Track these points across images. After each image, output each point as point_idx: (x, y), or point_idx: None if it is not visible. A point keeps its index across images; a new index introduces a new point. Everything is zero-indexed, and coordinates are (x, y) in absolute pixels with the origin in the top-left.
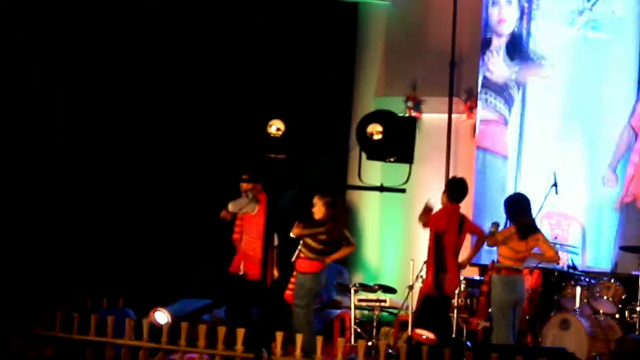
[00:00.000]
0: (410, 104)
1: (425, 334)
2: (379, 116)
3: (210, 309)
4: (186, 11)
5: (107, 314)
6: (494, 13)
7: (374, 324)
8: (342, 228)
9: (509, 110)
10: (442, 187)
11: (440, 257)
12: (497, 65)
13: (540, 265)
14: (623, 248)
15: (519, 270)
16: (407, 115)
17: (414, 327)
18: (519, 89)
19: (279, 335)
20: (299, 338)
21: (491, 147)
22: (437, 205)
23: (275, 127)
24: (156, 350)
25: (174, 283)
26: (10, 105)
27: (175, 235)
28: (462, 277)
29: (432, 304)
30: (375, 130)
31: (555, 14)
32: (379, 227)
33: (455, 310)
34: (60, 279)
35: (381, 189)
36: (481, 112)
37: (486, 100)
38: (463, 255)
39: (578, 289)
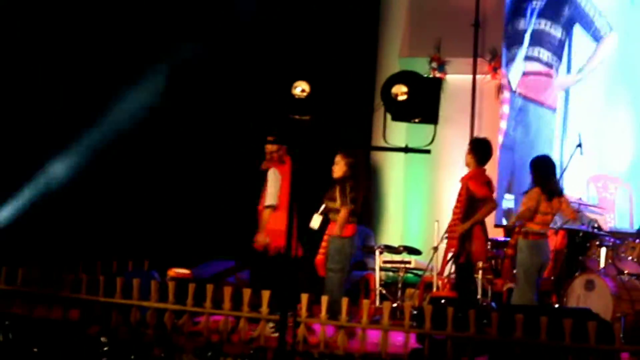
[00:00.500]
0: (434, 64)
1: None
2: (404, 77)
3: (235, 272)
4: None
5: (133, 277)
6: None
7: (399, 285)
8: (364, 187)
9: (559, 63)
10: (466, 148)
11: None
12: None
13: (565, 226)
14: None
15: (545, 234)
16: (431, 76)
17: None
18: (569, 44)
19: (304, 297)
20: (324, 300)
21: (537, 97)
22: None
23: (300, 88)
24: (182, 312)
25: (199, 245)
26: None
27: (201, 198)
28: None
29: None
30: (400, 91)
31: None
32: (404, 188)
33: (480, 272)
34: (85, 242)
35: (406, 149)
36: (528, 64)
37: (537, 52)
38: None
39: (603, 250)
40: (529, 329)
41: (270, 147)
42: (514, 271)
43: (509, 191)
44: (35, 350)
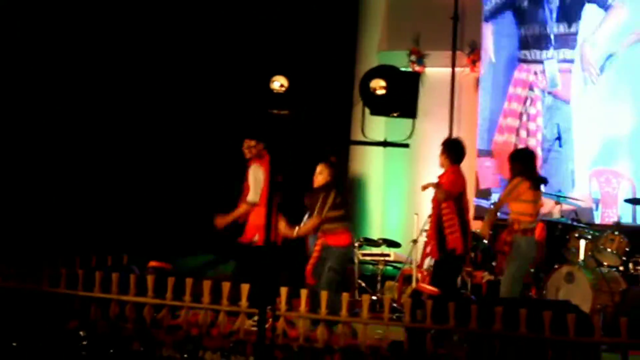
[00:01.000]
0: (413, 58)
1: (429, 288)
2: (382, 71)
3: (215, 265)
4: None
5: (112, 271)
6: None
7: (378, 278)
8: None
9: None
10: None
11: (465, 218)
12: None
13: (544, 218)
14: (628, 200)
15: (535, 227)
16: (410, 69)
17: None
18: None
19: (283, 291)
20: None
21: (562, 94)
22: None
23: (279, 83)
24: (161, 306)
25: (178, 239)
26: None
27: (180, 192)
28: None
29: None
30: (379, 85)
31: None
32: (383, 182)
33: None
34: (64, 237)
35: (384, 144)
36: (556, 65)
37: (562, 54)
38: None
39: (582, 242)
40: (509, 322)
41: (248, 142)
42: (492, 263)
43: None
44: (14, 344)
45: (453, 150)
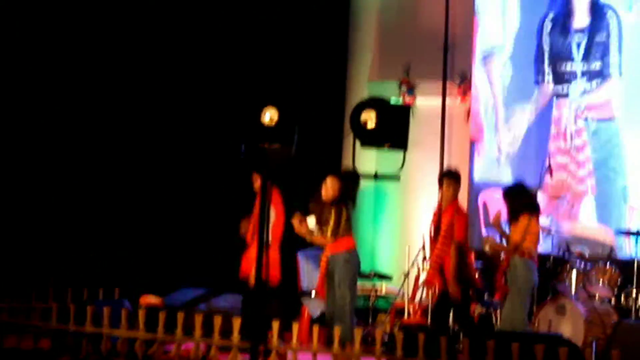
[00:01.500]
0: (403, 88)
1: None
2: (373, 103)
3: (207, 299)
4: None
5: (104, 305)
6: None
7: (370, 311)
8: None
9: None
10: (436, 171)
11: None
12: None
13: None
14: (619, 232)
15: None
16: (400, 99)
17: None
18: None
19: (275, 324)
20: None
21: (598, 114)
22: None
23: (269, 116)
24: (152, 341)
25: (170, 273)
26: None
27: (171, 225)
28: None
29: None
30: (369, 117)
31: None
32: (374, 214)
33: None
34: (55, 270)
35: (376, 176)
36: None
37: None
38: None
39: (574, 274)
40: (501, 355)
41: (257, 176)
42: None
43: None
44: None
45: (458, 183)
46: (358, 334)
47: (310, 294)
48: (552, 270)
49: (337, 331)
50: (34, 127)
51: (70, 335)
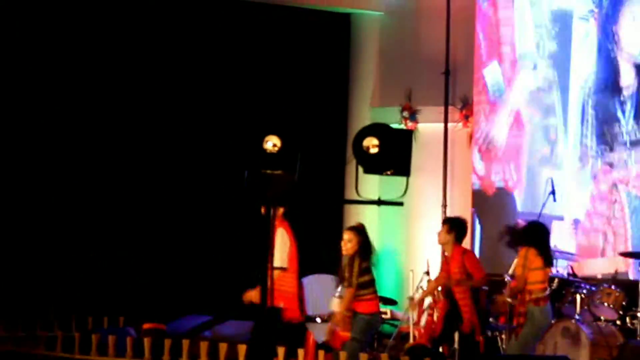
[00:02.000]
0: (405, 114)
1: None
2: (375, 129)
3: (212, 325)
4: (181, 27)
5: (108, 333)
6: None
7: (375, 336)
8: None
9: None
10: (439, 196)
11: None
12: None
13: None
14: (623, 254)
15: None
16: (403, 125)
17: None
18: None
19: (281, 351)
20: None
21: None
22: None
23: (272, 142)
24: None
25: (175, 300)
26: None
27: (175, 252)
28: None
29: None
30: (372, 143)
31: None
32: (378, 239)
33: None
34: (60, 298)
35: (379, 202)
36: None
37: None
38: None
39: (578, 297)
40: None
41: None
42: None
43: None
44: None
45: (461, 229)
46: (364, 358)
47: (315, 319)
48: (556, 292)
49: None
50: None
51: None
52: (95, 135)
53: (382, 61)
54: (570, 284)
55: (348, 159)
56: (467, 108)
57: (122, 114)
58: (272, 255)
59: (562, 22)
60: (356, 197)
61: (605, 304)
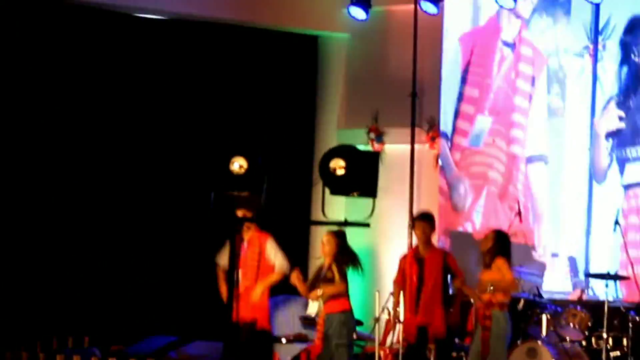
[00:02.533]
0: (372, 135)
1: None
2: (342, 151)
3: (178, 346)
4: (147, 48)
5: (73, 354)
6: None
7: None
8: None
9: None
10: (406, 217)
11: None
12: None
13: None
14: (590, 275)
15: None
16: (369, 146)
17: None
18: None
19: None
20: None
21: None
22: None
23: (238, 164)
24: None
25: (140, 320)
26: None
27: (142, 273)
28: None
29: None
30: (338, 165)
31: None
32: None
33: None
34: (24, 319)
35: (345, 223)
36: None
37: None
38: None
39: (544, 317)
40: None
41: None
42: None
43: None
44: None
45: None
46: None
47: (280, 340)
48: (522, 313)
49: None
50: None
51: None
52: (56, 157)
53: (349, 83)
54: (536, 304)
55: (314, 181)
56: (433, 130)
57: (80, 132)
58: (237, 273)
59: None
60: (322, 219)
61: (571, 325)
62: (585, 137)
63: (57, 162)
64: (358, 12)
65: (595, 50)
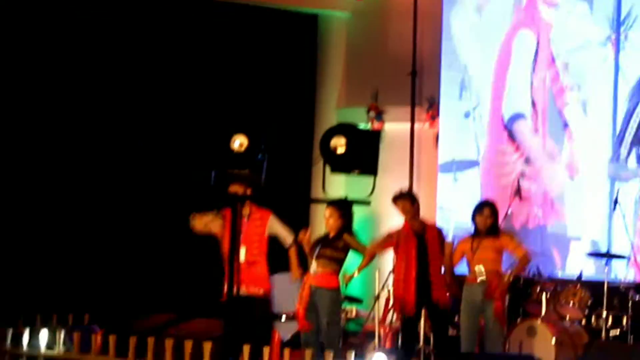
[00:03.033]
0: (372, 114)
1: None
2: (342, 129)
3: (177, 323)
4: (147, 26)
5: (74, 330)
6: None
7: (340, 334)
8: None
9: None
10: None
11: None
12: None
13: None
14: (591, 254)
15: None
16: (369, 125)
17: None
18: None
19: (246, 349)
20: (329, 355)
21: None
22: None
23: (239, 142)
24: None
25: (140, 297)
26: None
27: (141, 250)
28: None
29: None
30: (339, 143)
31: None
32: None
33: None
34: (24, 295)
35: (346, 201)
36: None
37: None
38: None
39: (544, 295)
40: None
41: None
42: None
43: None
44: None
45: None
46: (328, 356)
47: (280, 317)
48: (522, 291)
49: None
50: None
51: None
52: (56, 136)
53: (348, 61)
54: (536, 282)
55: (315, 159)
56: (433, 108)
57: (81, 110)
58: (238, 249)
59: None
60: (323, 197)
61: (571, 303)
62: (607, 126)
63: (57, 140)
64: None
65: (618, 40)
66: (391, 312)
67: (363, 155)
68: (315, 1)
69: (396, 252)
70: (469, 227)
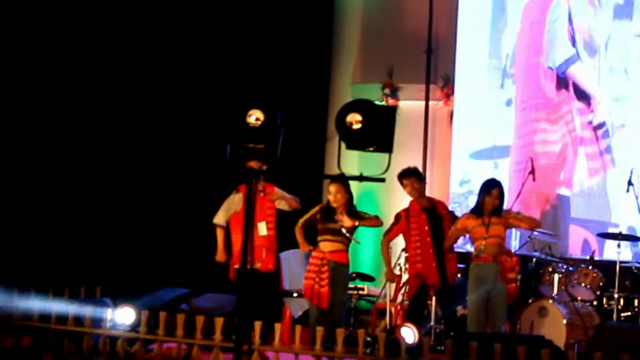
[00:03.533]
0: (387, 91)
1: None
2: (358, 105)
3: (189, 298)
4: (162, 3)
5: (85, 303)
6: None
7: (352, 312)
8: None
9: None
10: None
11: None
12: None
13: (517, 252)
14: (601, 235)
15: None
16: (384, 102)
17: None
18: None
19: (258, 325)
20: (341, 333)
21: None
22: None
23: (255, 117)
24: (134, 340)
25: (151, 272)
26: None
27: (153, 224)
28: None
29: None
30: (355, 119)
31: None
32: None
33: (434, 297)
34: (36, 269)
35: (361, 178)
36: None
37: None
38: None
39: (556, 276)
40: (483, 356)
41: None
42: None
43: None
44: None
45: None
46: (340, 334)
47: (291, 294)
48: (534, 272)
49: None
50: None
51: (51, 334)
52: (74, 112)
53: (364, 38)
54: (548, 263)
55: (330, 135)
56: (448, 86)
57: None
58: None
59: None
60: (337, 172)
61: (583, 284)
62: None
63: (70, 118)
64: None
65: None
66: (403, 289)
67: (379, 132)
68: None
69: (407, 231)
70: None
